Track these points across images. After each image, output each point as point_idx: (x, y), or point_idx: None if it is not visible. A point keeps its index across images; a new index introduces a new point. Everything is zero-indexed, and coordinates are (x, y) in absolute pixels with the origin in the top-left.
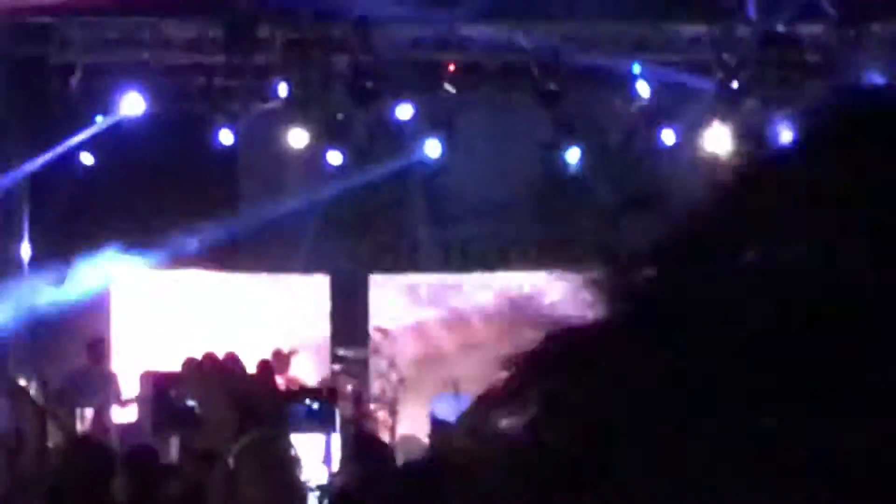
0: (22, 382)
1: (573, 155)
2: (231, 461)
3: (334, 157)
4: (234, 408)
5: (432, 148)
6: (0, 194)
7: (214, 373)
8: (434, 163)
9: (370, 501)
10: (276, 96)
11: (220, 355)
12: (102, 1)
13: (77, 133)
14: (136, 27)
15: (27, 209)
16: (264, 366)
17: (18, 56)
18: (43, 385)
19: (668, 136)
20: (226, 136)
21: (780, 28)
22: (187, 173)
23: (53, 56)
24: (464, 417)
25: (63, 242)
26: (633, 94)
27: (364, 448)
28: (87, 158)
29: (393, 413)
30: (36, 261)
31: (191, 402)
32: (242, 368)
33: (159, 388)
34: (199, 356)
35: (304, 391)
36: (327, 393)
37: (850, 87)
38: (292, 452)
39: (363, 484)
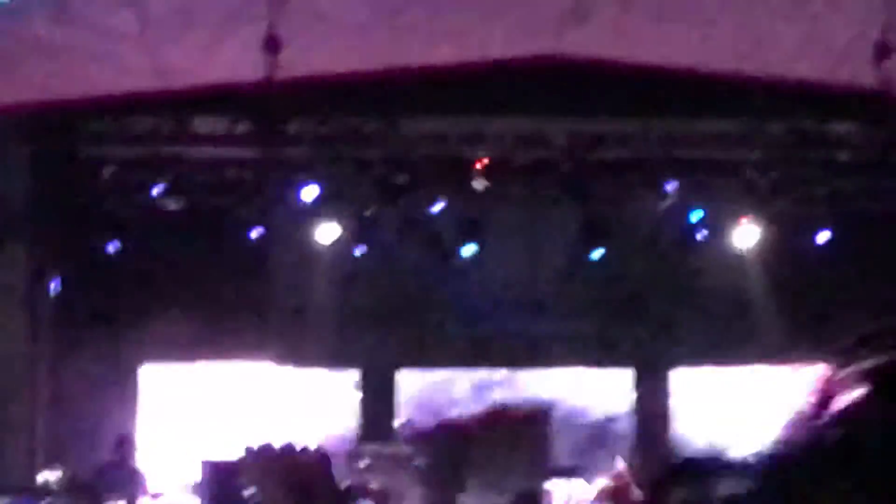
0: (53, 475)
1: (602, 252)
2: None
3: (363, 252)
4: (291, 496)
5: (467, 250)
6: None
7: (273, 461)
8: (463, 259)
9: None
10: (306, 191)
11: (278, 445)
12: (131, 96)
13: (106, 226)
14: (165, 121)
15: (53, 299)
16: (322, 456)
17: (48, 149)
18: (72, 478)
19: (696, 234)
20: (255, 231)
21: (810, 126)
22: (216, 267)
23: (83, 150)
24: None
25: (88, 334)
26: (662, 191)
27: None
28: (114, 249)
29: None
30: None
31: (249, 491)
32: (300, 457)
33: (218, 476)
34: (257, 445)
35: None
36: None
37: None
38: None
39: None
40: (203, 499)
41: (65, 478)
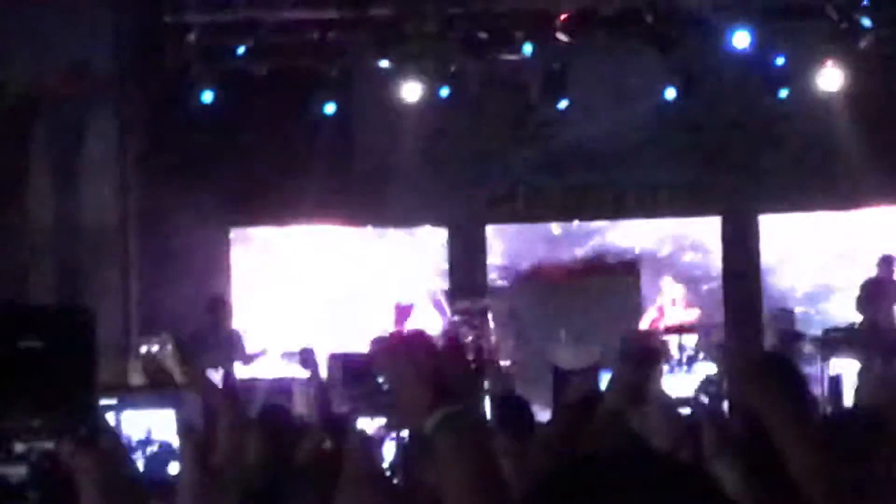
0: (156, 346)
1: (688, 100)
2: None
3: (448, 109)
4: (424, 384)
5: (553, 103)
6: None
7: (403, 350)
8: (550, 111)
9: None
10: (389, 49)
11: (406, 333)
12: None
13: (192, 91)
14: None
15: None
16: (453, 341)
17: (133, 16)
18: (179, 344)
19: (781, 78)
20: (340, 91)
21: None
22: (302, 128)
23: (168, 15)
24: None
25: (177, 198)
26: (747, 37)
27: (517, 415)
28: (200, 113)
29: (514, 363)
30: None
31: (381, 382)
32: (431, 344)
33: (348, 369)
34: (386, 335)
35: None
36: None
37: None
38: (487, 425)
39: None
40: (333, 392)
41: (167, 347)
